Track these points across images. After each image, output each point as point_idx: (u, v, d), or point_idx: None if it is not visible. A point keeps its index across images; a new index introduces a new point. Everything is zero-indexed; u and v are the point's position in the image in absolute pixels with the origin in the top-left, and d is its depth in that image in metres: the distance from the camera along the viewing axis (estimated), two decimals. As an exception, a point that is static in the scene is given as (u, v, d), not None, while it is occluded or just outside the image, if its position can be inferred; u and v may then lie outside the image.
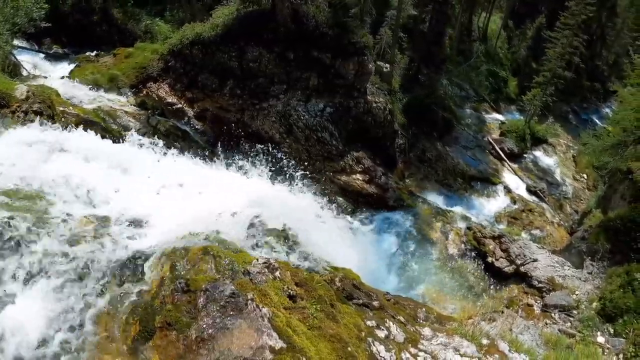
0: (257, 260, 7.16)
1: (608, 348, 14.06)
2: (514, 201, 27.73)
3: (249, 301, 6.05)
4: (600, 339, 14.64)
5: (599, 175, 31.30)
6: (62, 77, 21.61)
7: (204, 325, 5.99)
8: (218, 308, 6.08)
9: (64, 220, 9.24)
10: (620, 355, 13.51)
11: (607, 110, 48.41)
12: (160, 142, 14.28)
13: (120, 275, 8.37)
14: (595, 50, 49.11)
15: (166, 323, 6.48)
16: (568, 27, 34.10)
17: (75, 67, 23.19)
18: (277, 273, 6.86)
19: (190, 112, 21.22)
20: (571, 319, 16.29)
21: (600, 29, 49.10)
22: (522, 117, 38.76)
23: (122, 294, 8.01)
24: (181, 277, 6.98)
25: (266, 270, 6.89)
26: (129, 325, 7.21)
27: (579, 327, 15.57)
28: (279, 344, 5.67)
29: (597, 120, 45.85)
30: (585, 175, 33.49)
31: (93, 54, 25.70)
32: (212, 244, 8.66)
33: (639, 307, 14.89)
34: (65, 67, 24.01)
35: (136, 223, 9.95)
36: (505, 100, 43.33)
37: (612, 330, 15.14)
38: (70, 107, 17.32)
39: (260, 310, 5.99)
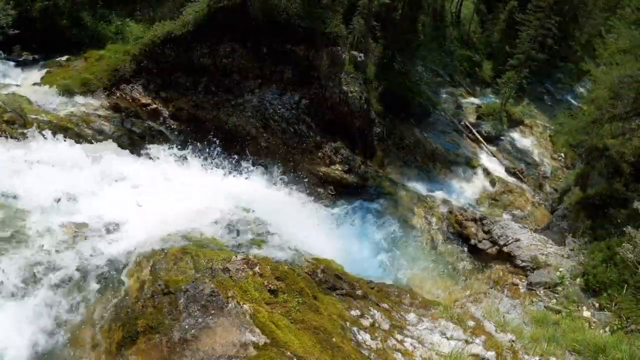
0: (236, 257, 7.10)
1: (594, 322, 14.25)
2: (493, 183, 27.95)
3: (230, 299, 6.01)
4: (586, 314, 14.82)
5: (576, 153, 31.66)
6: (33, 84, 21.17)
7: (186, 326, 5.94)
8: (199, 308, 6.03)
9: (42, 230, 9.12)
10: (607, 328, 13.70)
11: (582, 89, 48.75)
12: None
13: (101, 281, 8.28)
14: (567, 31, 49.41)
15: (149, 326, 6.41)
16: (540, 9, 34.33)
17: (46, 73, 22.66)
18: (256, 268, 6.81)
19: (166, 112, 20.92)
20: (556, 295, 16.47)
21: (572, 9, 49.51)
22: (497, 100, 39.00)
23: (103, 300, 7.92)
24: (161, 280, 6.90)
25: (245, 266, 6.83)
26: (113, 331, 7.13)
27: (565, 303, 15.74)
28: (262, 340, 5.64)
29: (571, 100, 46.27)
30: (562, 154, 33.88)
31: (64, 58, 25.14)
32: (190, 244, 8.60)
33: (622, 281, 15.10)
34: (36, 74, 23.53)
35: (114, 227, 9.85)
36: (480, 84, 43.58)
37: (597, 304, 15.34)
38: (43, 115, 16.96)
39: (242, 307, 5.94)
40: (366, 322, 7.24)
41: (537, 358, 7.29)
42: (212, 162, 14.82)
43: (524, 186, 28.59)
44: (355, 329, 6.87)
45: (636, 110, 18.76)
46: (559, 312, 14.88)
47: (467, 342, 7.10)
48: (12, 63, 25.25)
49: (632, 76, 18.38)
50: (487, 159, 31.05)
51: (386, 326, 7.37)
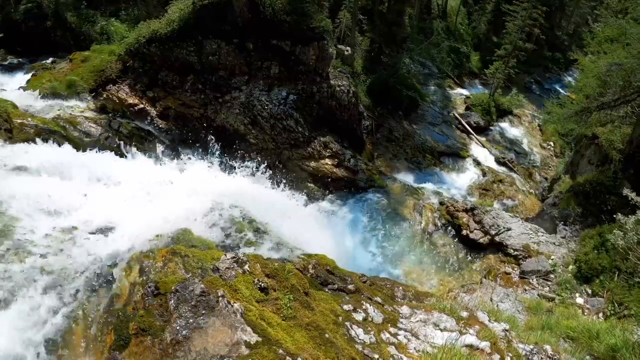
0: (226, 255, 7.05)
1: (587, 308, 14.35)
2: (484, 173, 28.04)
3: (220, 298, 5.94)
4: (579, 300, 14.91)
5: (565, 142, 31.91)
6: (19, 88, 21.01)
7: (178, 327, 5.86)
8: (190, 308, 5.96)
9: (31, 235, 9.04)
10: (600, 314, 13.78)
11: (569, 78, 49.08)
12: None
13: (92, 285, 8.23)
14: (554, 20, 49.66)
15: (140, 329, 6.34)
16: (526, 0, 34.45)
17: (31, 76, 22.52)
18: (246, 267, 6.75)
19: (153, 112, 20.86)
20: (549, 283, 16.55)
21: (559, -1, 49.76)
22: (486, 91, 39.12)
23: (95, 304, 7.87)
24: (150, 281, 6.85)
25: (235, 265, 6.77)
26: (104, 335, 7.09)
27: (558, 290, 15.83)
28: (254, 338, 5.59)
29: (560, 89, 46.48)
30: (551, 143, 34.05)
31: (49, 61, 25.03)
32: (179, 244, 8.55)
33: (613, 267, 15.18)
34: (22, 77, 23.35)
35: (104, 230, 9.79)
36: (468, 75, 43.70)
37: (589, 291, 15.43)
38: (29, 118, 16.81)
39: (232, 306, 5.88)
40: (359, 317, 7.20)
41: (531, 346, 7.27)
42: (200, 161, 14.75)
43: (514, 175, 28.70)
44: (348, 323, 6.83)
45: (624, 98, 18.84)
46: (552, 299, 14.96)
47: (460, 332, 7.08)
48: (-3, 68, 25.09)
49: (620, 64, 18.47)
50: (477, 150, 31.13)
51: (379, 320, 7.33)
